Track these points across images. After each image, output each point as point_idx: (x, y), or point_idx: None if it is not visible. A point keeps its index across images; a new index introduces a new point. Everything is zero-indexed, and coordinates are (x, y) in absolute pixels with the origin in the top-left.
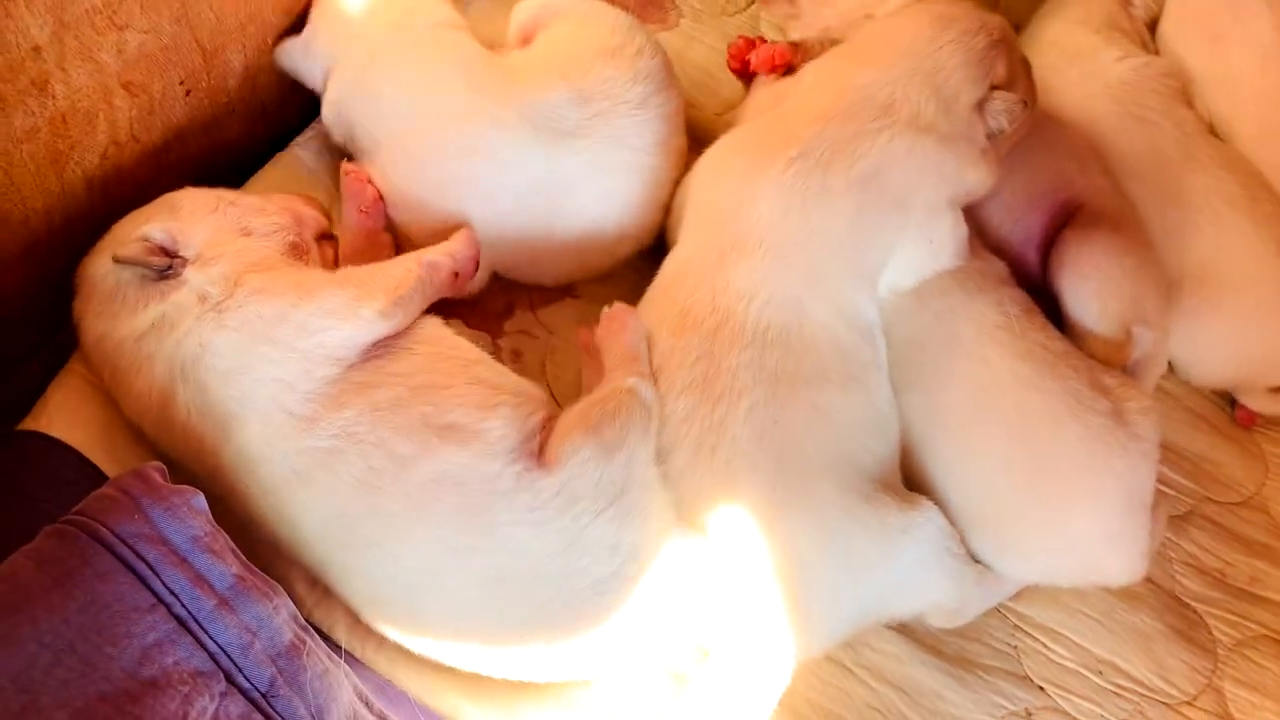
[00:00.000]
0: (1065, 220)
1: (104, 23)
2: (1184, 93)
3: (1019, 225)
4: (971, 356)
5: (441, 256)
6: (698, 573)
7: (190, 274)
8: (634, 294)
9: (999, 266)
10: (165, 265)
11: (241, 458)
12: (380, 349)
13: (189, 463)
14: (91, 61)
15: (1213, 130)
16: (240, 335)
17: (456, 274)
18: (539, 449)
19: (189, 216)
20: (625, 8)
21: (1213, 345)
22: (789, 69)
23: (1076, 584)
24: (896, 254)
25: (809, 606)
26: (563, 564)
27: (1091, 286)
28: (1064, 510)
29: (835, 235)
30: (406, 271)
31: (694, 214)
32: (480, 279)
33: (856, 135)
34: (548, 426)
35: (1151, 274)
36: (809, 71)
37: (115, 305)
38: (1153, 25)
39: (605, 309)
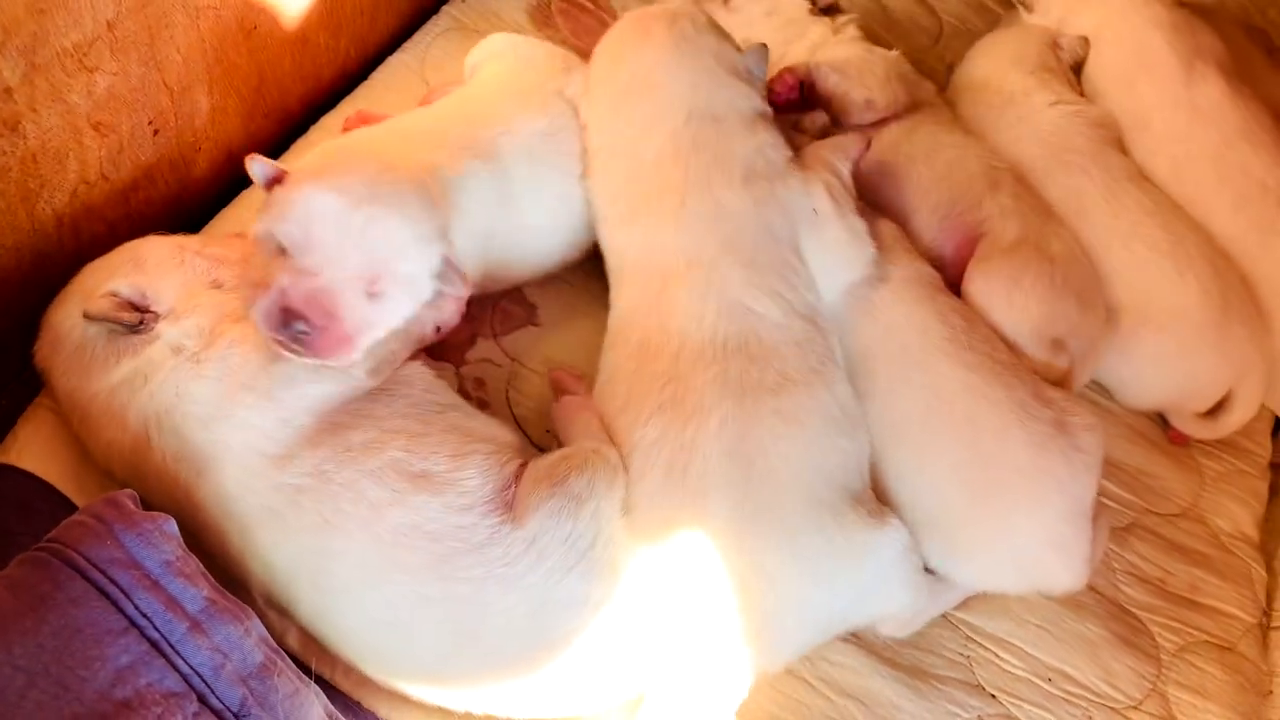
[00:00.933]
0: (975, 244)
1: (74, 65)
2: (1116, 140)
3: (936, 242)
4: (921, 367)
5: (428, 312)
6: (660, 604)
7: (164, 328)
8: (588, 302)
9: (932, 273)
10: (136, 321)
11: (216, 497)
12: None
13: (164, 506)
14: (62, 102)
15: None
16: (221, 384)
17: (439, 327)
18: (513, 500)
19: (155, 269)
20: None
21: (1139, 374)
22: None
23: (1023, 591)
24: (800, 228)
25: (776, 620)
26: (534, 621)
27: (999, 311)
28: (1009, 515)
29: (748, 233)
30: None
31: (619, 264)
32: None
33: (716, 154)
34: (521, 475)
35: (1068, 283)
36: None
37: (85, 359)
38: (1077, 68)
39: (555, 404)
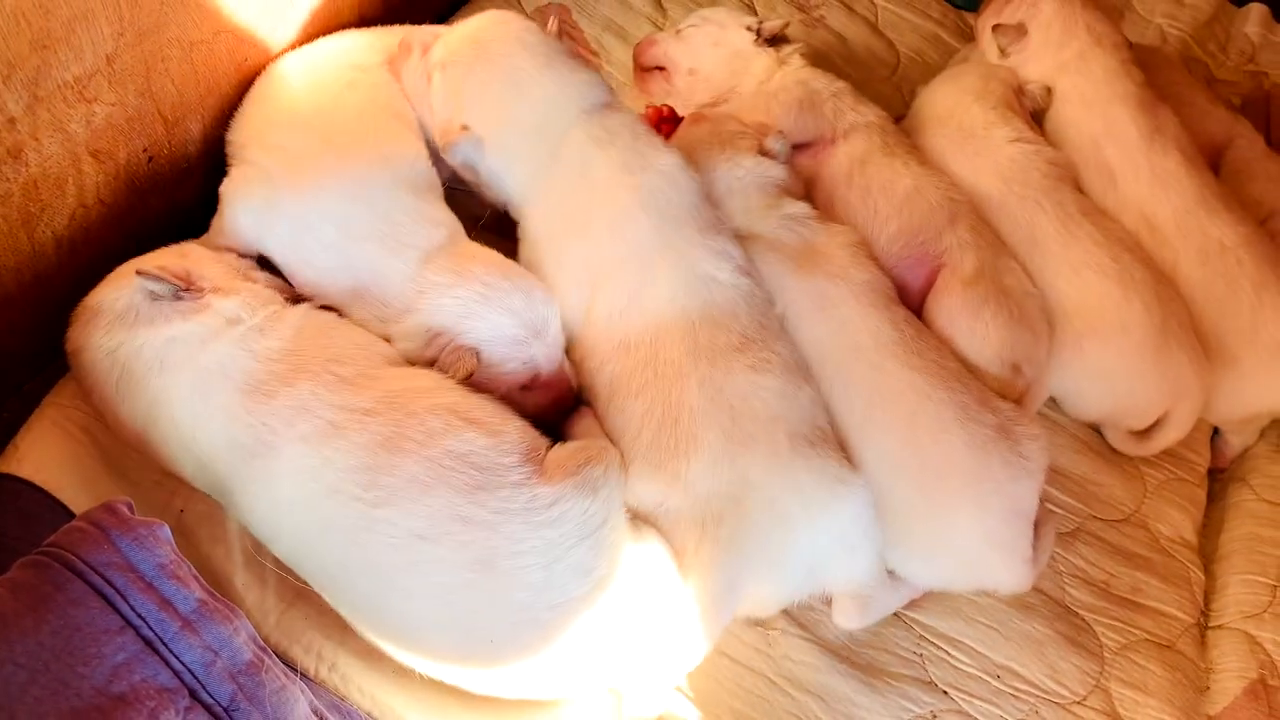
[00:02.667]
0: (933, 273)
1: (75, 96)
2: (1071, 178)
3: (895, 271)
4: (871, 365)
5: None
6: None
7: (214, 299)
8: None
9: (889, 284)
10: (183, 286)
11: (283, 414)
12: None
13: (193, 457)
14: (62, 132)
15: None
16: (298, 337)
17: None
18: (544, 465)
19: (197, 259)
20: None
21: (1082, 386)
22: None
23: (968, 589)
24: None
25: (762, 553)
26: (544, 575)
27: (962, 339)
28: (950, 514)
29: (689, 200)
30: None
31: (588, 277)
32: None
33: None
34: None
35: (1023, 316)
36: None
37: (130, 318)
38: (1038, 116)
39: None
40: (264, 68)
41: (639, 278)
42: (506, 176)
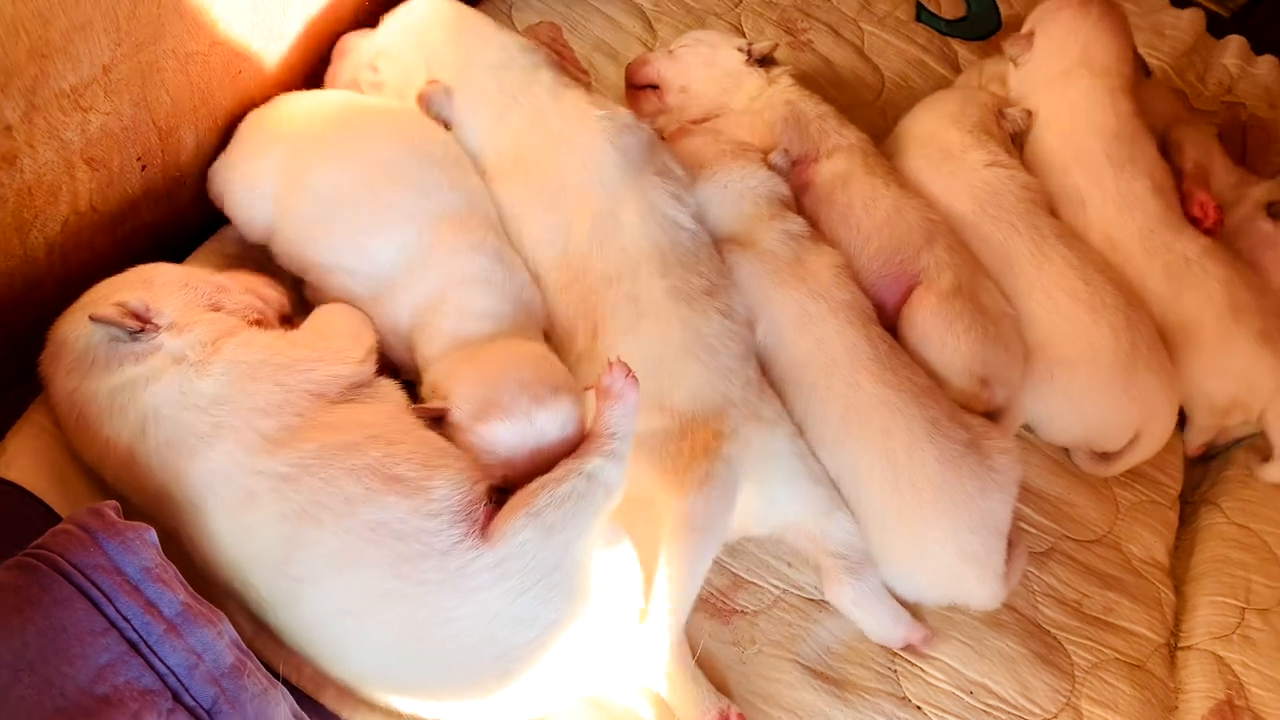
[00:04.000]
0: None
1: (70, 105)
2: (1046, 203)
3: (874, 288)
4: (846, 381)
5: None
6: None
7: (166, 339)
8: None
9: (867, 304)
10: (138, 328)
11: (202, 478)
12: (349, 395)
13: (147, 498)
14: (57, 139)
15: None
16: (225, 379)
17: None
18: (484, 520)
19: (161, 289)
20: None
21: (1053, 411)
22: None
23: (941, 602)
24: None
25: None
26: (481, 634)
27: (932, 352)
28: (922, 526)
29: (645, 144)
30: (365, 326)
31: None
32: None
33: None
34: (491, 498)
35: (994, 334)
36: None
37: (87, 363)
38: (1017, 140)
39: (609, 360)
40: (256, 79)
41: (609, 210)
42: (474, 120)
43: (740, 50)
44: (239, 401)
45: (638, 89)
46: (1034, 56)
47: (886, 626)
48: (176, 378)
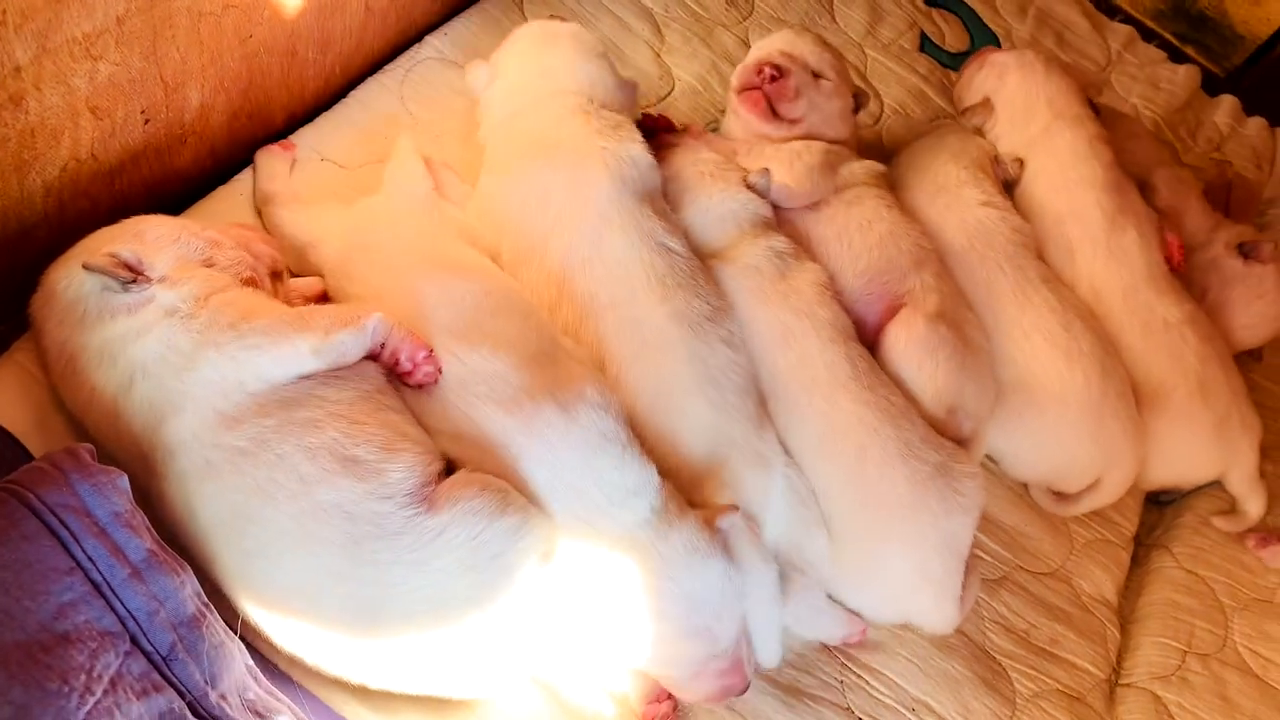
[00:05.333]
0: (895, 311)
1: (81, 52)
2: (1033, 247)
3: (859, 305)
4: (825, 398)
5: (395, 327)
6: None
7: (158, 291)
8: None
9: (848, 323)
10: (130, 279)
11: (171, 441)
12: (319, 374)
13: (124, 450)
14: (65, 85)
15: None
16: (199, 338)
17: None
18: (432, 494)
19: (154, 242)
20: None
21: (1021, 449)
22: None
23: (898, 621)
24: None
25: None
26: (431, 608)
27: (909, 373)
28: (886, 543)
29: (648, 185)
30: (355, 317)
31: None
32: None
33: None
34: (444, 477)
35: (971, 366)
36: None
37: (78, 312)
38: (1010, 186)
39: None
40: (267, 44)
41: (595, 229)
42: (490, 108)
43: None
44: (203, 373)
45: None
46: (1003, 123)
47: (830, 630)
48: (165, 331)
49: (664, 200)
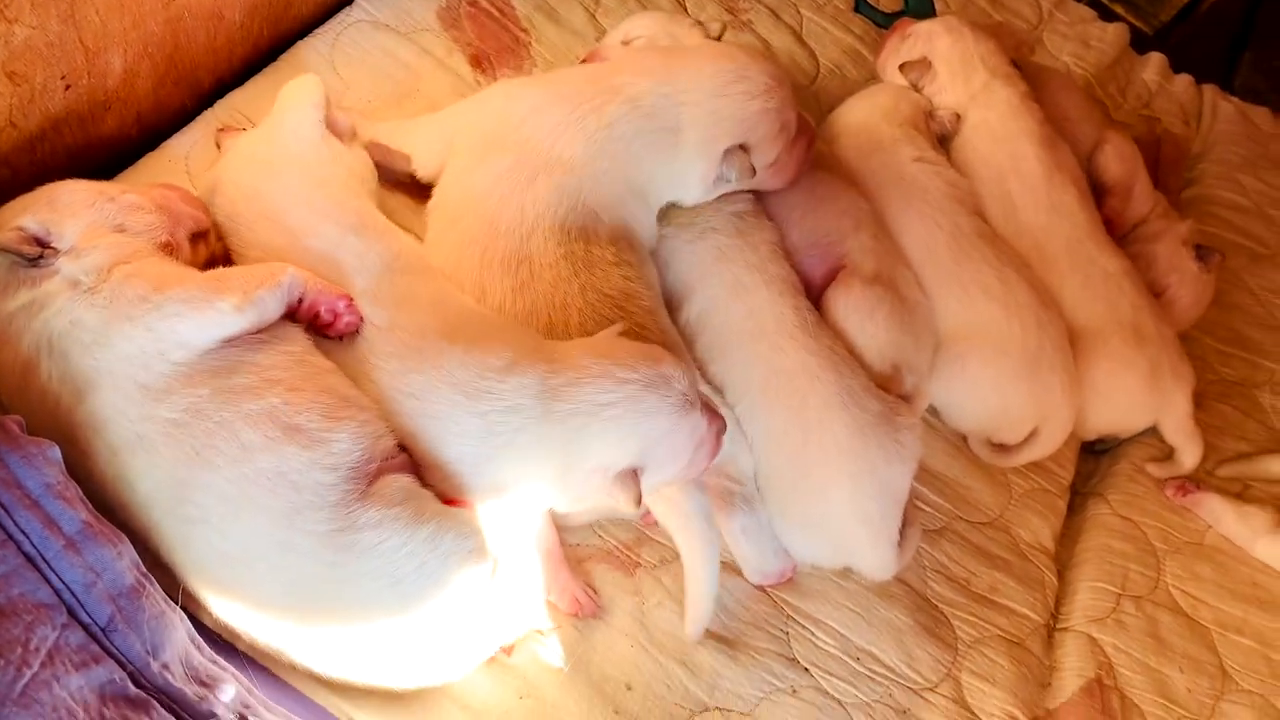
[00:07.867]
0: (835, 271)
1: None
2: (970, 200)
3: (803, 264)
4: (772, 346)
5: (309, 278)
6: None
7: (63, 264)
8: None
9: (796, 280)
10: (37, 254)
11: (92, 421)
12: (243, 340)
13: (45, 426)
14: None
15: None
16: (107, 313)
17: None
18: (377, 474)
19: (65, 210)
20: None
21: (959, 399)
22: None
23: (838, 565)
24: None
25: None
26: (359, 595)
27: (850, 332)
28: (826, 488)
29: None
30: (270, 274)
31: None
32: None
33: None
34: (395, 456)
35: (910, 324)
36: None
37: None
38: (945, 141)
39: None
40: (191, 8)
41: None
42: None
43: (696, 28)
44: (118, 348)
45: None
46: (944, 78)
47: (768, 559)
48: (69, 304)
49: None
